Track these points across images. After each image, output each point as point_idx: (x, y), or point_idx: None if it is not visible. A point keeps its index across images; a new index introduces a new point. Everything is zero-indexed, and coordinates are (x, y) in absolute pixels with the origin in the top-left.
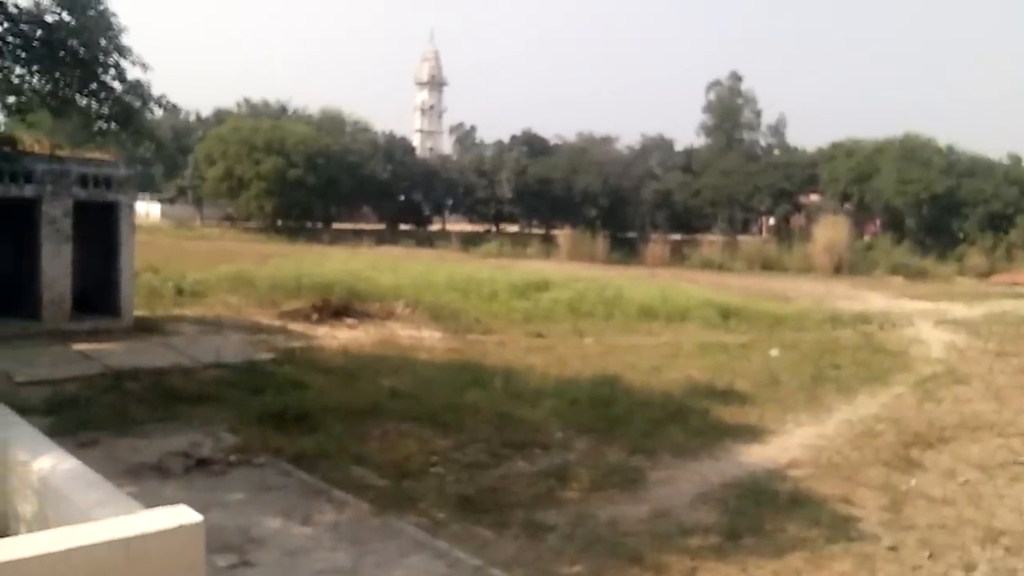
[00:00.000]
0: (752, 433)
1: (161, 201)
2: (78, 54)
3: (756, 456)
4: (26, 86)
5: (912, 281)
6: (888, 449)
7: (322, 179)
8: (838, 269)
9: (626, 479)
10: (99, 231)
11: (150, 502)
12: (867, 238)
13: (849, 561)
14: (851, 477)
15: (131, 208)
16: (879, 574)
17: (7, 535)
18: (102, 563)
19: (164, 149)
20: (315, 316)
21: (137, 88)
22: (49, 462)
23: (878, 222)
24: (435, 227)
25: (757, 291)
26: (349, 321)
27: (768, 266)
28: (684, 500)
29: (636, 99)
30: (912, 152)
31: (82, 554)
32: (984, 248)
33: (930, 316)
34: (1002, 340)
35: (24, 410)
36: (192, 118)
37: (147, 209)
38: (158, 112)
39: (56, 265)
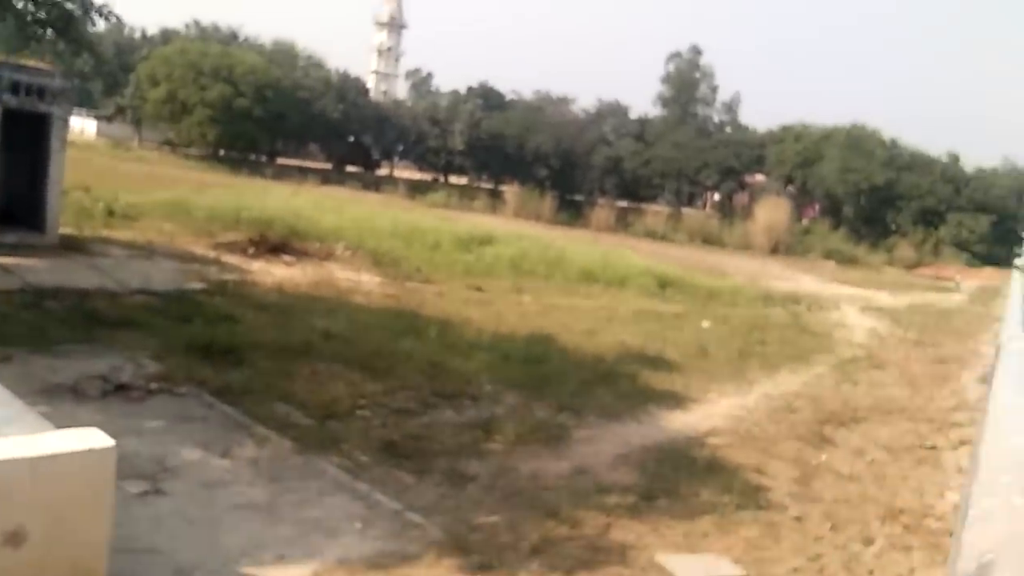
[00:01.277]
0: (676, 400)
1: (98, 118)
2: None
3: (678, 422)
4: None
5: (843, 267)
6: (803, 425)
7: (270, 112)
8: (775, 249)
9: (551, 436)
10: (28, 143)
11: (63, 424)
12: (806, 222)
13: (756, 528)
14: (766, 449)
15: (64, 122)
16: (783, 542)
17: None
18: (5, 481)
19: (104, 63)
20: (252, 250)
21: None
22: None
23: (817, 207)
24: (383, 172)
25: (696, 264)
26: (286, 258)
27: (709, 241)
28: (605, 460)
29: (596, 63)
30: (857, 142)
31: None
32: (914, 241)
33: (857, 302)
34: (921, 330)
35: None
36: (137, 35)
37: (83, 126)
38: (100, 24)
39: None
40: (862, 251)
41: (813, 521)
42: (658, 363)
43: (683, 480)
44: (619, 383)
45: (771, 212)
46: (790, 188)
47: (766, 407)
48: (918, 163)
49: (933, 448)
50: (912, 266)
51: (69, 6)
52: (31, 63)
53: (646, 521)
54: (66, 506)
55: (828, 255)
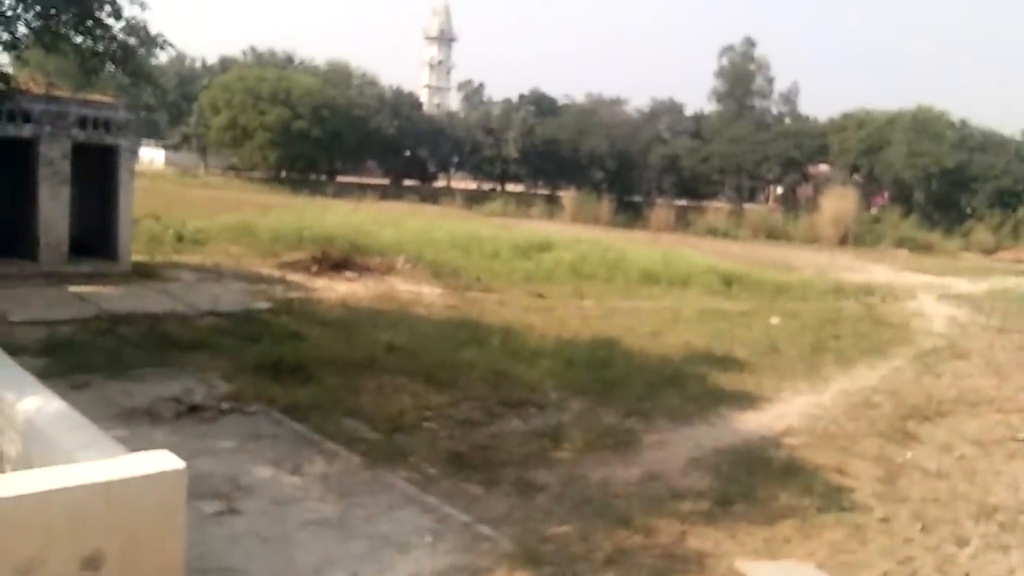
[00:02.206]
0: (748, 400)
1: (166, 148)
2: None
3: (751, 423)
4: (19, 20)
5: (917, 255)
6: (884, 421)
7: (327, 132)
8: (843, 241)
9: (619, 441)
10: (98, 175)
11: (139, 446)
12: (874, 210)
13: (840, 531)
14: (846, 448)
15: (131, 152)
16: (870, 545)
17: None
18: (81, 506)
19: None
20: (315, 268)
21: (134, 27)
22: (35, 403)
23: (886, 195)
24: (439, 184)
25: (761, 259)
26: (348, 274)
27: (773, 235)
28: (677, 465)
29: (648, 61)
30: (924, 125)
31: (61, 496)
32: (991, 224)
33: (933, 290)
34: (1004, 316)
35: (18, 351)
36: (198, 65)
37: (151, 156)
38: (161, 56)
39: (54, 207)
40: (936, 237)
41: (901, 522)
42: (727, 363)
43: (760, 483)
44: (687, 385)
45: (837, 202)
46: (856, 177)
47: (844, 404)
48: (991, 143)
49: None
50: (990, 251)
51: (123, 38)
52: (96, 97)
53: (723, 527)
54: (140, 528)
55: (900, 243)
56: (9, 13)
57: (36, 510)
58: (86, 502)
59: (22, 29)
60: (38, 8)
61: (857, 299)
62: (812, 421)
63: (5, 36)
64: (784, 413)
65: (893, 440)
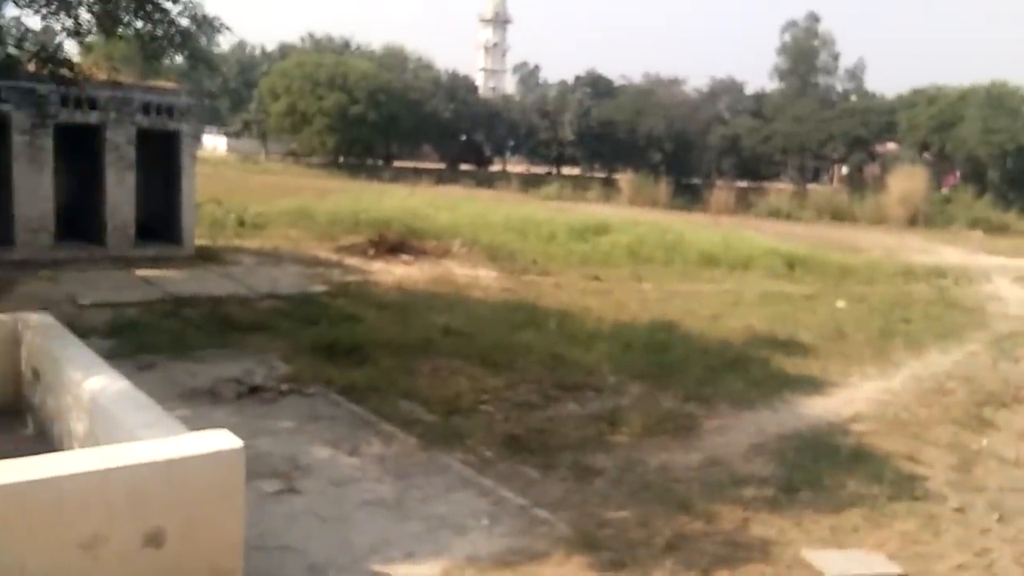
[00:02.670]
0: (814, 385)
1: (227, 135)
2: None
3: (817, 409)
4: (81, 5)
5: (992, 236)
6: (959, 407)
7: (384, 116)
8: (913, 221)
9: (679, 426)
10: (162, 160)
11: (201, 426)
12: (946, 190)
13: (913, 521)
14: (918, 435)
15: (193, 138)
16: (944, 535)
17: (62, 451)
18: (142, 483)
19: (221, 77)
20: (371, 251)
21: (192, 10)
22: (100, 383)
23: (958, 173)
24: (495, 168)
25: (826, 241)
26: (405, 257)
27: (839, 216)
28: (739, 450)
29: (707, 39)
30: (999, 100)
31: (122, 473)
32: None
33: (1009, 272)
34: None
35: (86, 332)
36: (257, 52)
37: (214, 143)
38: (222, 43)
39: (120, 192)
40: (1012, 218)
41: (977, 512)
42: (791, 347)
43: (826, 470)
44: (750, 369)
45: (906, 182)
46: (926, 155)
47: (915, 389)
48: None
49: None
50: None
51: (182, 21)
52: (159, 84)
53: (788, 515)
54: (200, 506)
55: (974, 224)
56: (72, 1)
57: (99, 487)
58: (147, 480)
59: (84, 15)
60: None
61: (928, 282)
62: (882, 407)
63: (68, 22)
64: (852, 399)
65: (968, 427)
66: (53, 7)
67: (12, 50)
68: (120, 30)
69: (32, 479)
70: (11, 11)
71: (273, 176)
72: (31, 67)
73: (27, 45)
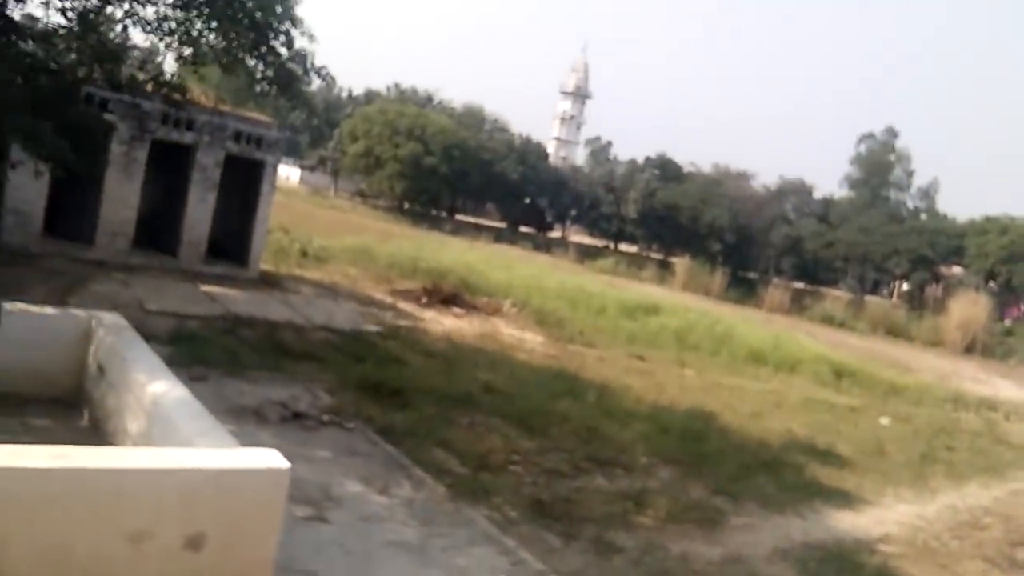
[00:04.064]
0: (846, 499)
1: (302, 167)
2: (254, 17)
3: (846, 523)
4: (203, 40)
5: None
6: (992, 545)
7: (454, 170)
8: (969, 349)
9: (705, 518)
10: (242, 185)
11: (245, 443)
12: (1008, 322)
13: None
14: (946, 566)
15: (275, 168)
16: None
17: (113, 445)
18: (192, 488)
19: (315, 117)
20: (425, 299)
21: (301, 57)
22: (162, 387)
23: (1023, 307)
24: (555, 234)
25: (877, 355)
26: (456, 310)
27: (894, 332)
28: (762, 552)
29: (780, 139)
30: None
31: (176, 477)
32: None
33: None
34: None
35: (149, 337)
36: (344, 94)
37: (288, 173)
38: (316, 83)
39: (200, 211)
40: None
41: None
42: (828, 457)
43: None
44: (783, 473)
45: (968, 308)
46: (992, 284)
47: (949, 520)
48: None
49: None
50: None
51: (292, 66)
52: (252, 115)
53: None
54: (243, 518)
55: None
56: (195, 33)
57: (152, 486)
58: (197, 485)
59: (204, 49)
60: (221, 31)
61: (978, 412)
62: (913, 532)
63: (188, 52)
64: (883, 519)
65: (999, 567)
66: (177, 36)
67: (135, 72)
68: (236, 67)
69: (92, 468)
70: (138, 36)
71: (340, 213)
72: (148, 88)
73: (148, 68)
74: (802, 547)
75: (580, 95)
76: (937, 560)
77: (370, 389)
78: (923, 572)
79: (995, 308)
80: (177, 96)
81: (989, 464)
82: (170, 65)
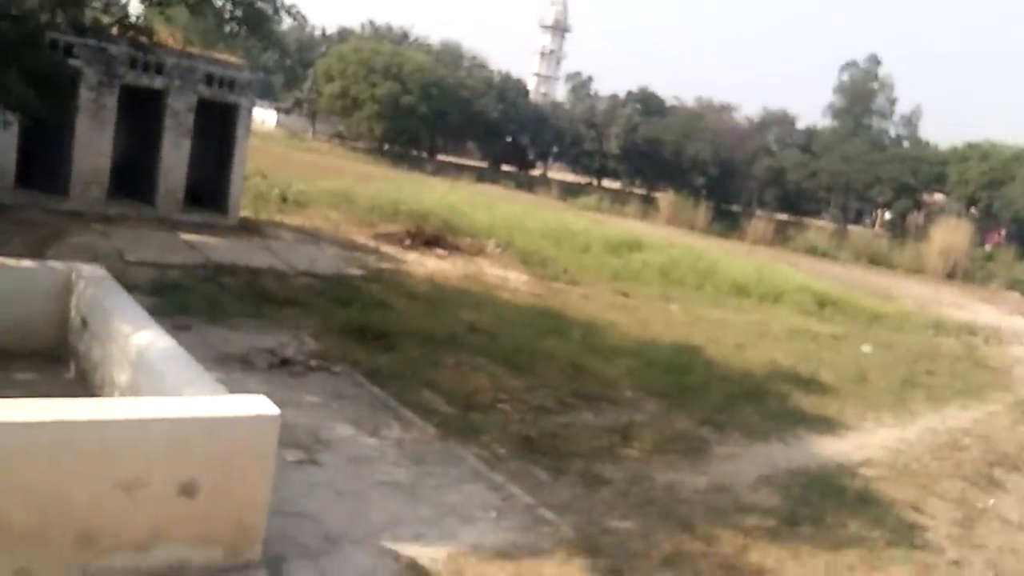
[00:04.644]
0: (829, 425)
1: (278, 110)
2: None
3: (829, 448)
4: None
5: None
6: (970, 464)
7: (433, 109)
8: (951, 275)
9: (690, 448)
10: (217, 130)
11: (233, 391)
12: (988, 247)
13: (908, 568)
14: (926, 486)
15: (249, 112)
16: None
17: (102, 397)
18: (182, 435)
19: (288, 58)
20: (408, 241)
21: None
22: (148, 337)
23: (1003, 232)
24: (537, 172)
25: (860, 284)
26: (439, 251)
27: (876, 261)
28: (746, 479)
29: (763, 70)
30: None
31: (164, 425)
32: None
33: None
34: None
35: (130, 288)
36: (317, 33)
37: (263, 117)
38: (287, 22)
39: (174, 157)
40: None
41: (974, 568)
42: (811, 385)
43: (830, 509)
44: (767, 402)
45: (949, 234)
46: (972, 210)
47: (929, 442)
48: None
49: None
50: None
51: (262, 5)
52: (223, 56)
53: (787, 546)
54: (234, 464)
55: (1012, 285)
56: None
57: (141, 435)
58: (188, 434)
59: None
60: None
61: (958, 337)
62: (893, 455)
63: None
64: (865, 443)
65: (977, 485)
66: None
67: (99, 15)
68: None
69: (82, 419)
70: None
71: (318, 155)
72: (113, 31)
73: (112, 10)
74: (786, 473)
75: (559, 28)
76: (917, 481)
77: (355, 333)
78: (904, 493)
79: (976, 234)
80: (144, 39)
81: (968, 387)
82: (135, 7)
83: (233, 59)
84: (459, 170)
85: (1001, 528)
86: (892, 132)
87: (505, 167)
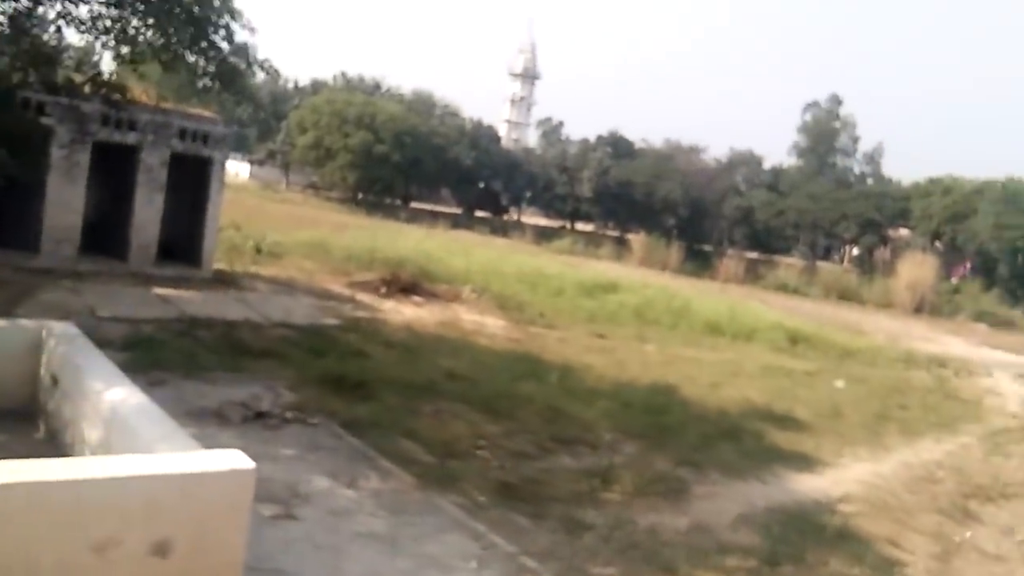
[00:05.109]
0: (806, 462)
1: (251, 162)
2: (192, 12)
3: (806, 485)
4: (140, 38)
5: (997, 330)
6: (946, 497)
7: (407, 158)
8: (919, 309)
9: (670, 489)
10: (190, 184)
11: (207, 446)
12: (954, 280)
13: None
14: (903, 520)
15: (223, 165)
16: None
17: (72, 456)
18: (156, 494)
19: (261, 111)
20: (384, 290)
21: (243, 50)
22: (120, 394)
23: (968, 265)
24: (511, 217)
25: (830, 320)
26: (416, 299)
27: (846, 296)
28: (726, 519)
29: (729, 111)
30: (1013, 196)
31: (138, 483)
32: None
33: (1011, 369)
34: None
35: (102, 344)
36: (290, 86)
37: (237, 169)
38: (260, 76)
39: (147, 212)
40: (1018, 315)
41: None
42: (786, 422)
43: (810, 547)
44: (744, 440)
45: (916, 269)
46: (937, 244)
47: (905, 476)
48: None
49: None
50: None
51: (235, 60)
52: (197, 111)
53: None
54: (209, 522)
55: (979, 317)
56: (131, 31)
57: (115, 494)
58: (161, 491)
59: (142, 46)
60: (158, 27)
61: (928, 370)
62: (870, 490)
63: (125, 50)
64: (842, 479)
65: (953, 518)
66: (113, 35)
67: (71, 73)
68: (176, 63)
69: (54, 480)
70: (73, 36)
71: (292, 206)
72: (86, 89)
73: (85, 68)
74: (765, 512)
75: (529, 76)
76: (894, 516)
77: (332, 383)
78: (881, 528)
79: (941, 267)
80: (117, 96)
81: (940, 420)
82: (108, 64)
83: (207, 113)
84: (434, 217)
85: (979, 560)
86: (856, 169)
87: (479, 213)
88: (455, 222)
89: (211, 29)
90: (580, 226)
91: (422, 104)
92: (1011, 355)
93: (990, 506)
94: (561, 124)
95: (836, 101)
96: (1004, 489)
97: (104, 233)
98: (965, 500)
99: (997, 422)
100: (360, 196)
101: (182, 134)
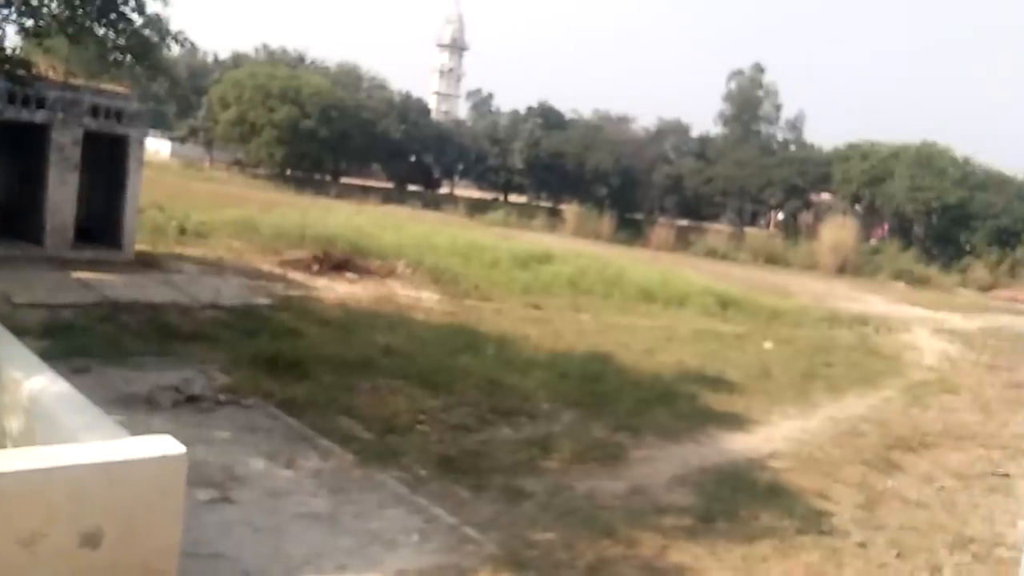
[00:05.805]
0: (737, 422)
1: (172, 140)
2: None
3: (738, 444)
4: (44, 10)
5: (914, 288)
6: (869, 449)
7: (334, 133)
8: (842, 270)
9: (607, 455)
10: (107, 163)
11: (137, 432)
12: (874, 241)
13: (817, 553)
14: (830, 473)
15: (140, 143)
16: (845, 568)
17: None
18: (83, 484)
19: (178, 86)
20: (316, 267)
21: (156, 22)
22: (40, 383)
23: (886, 227)
24: (443, 191)
25: (758, 284)
26: (349, 275)
27: (773, 260)
28: (662, 480)
29: (656, 81)
30: (928, 160)
31: (64, 474)
32: (989, 262)
33: (928, 324)
34: (995, 353)
35: (20, 332)
36: (210, 59)
37: (157, 147)
38: (175, 49)
39: (61, 193)
40: (934, 272)
41: (878, 548)
42: (718, 384)
43: (743, 503)
44: (678, 403)
45: (837, 231)
46: (857, 207)
47: (831, 431)
48: (993, 182)
49: (1006, 476)
50: (987, 288)
51: (147, 32)
52: (109, 87)
53: (704, 543)
54: (139, 510)
55: (898, 276)
56: (35, 2)
57: (39, 486)
58: (88, 481)
59: (46, 19)
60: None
61: (851, 328)
62: (798, 446)
63: (30, 23)
64: (772, 436)
65: (876, 468)
66: (16, 7)
67: None
68: (83, 36)
69: None
70: None
71: (217, 184)
72: None
73: None
74: (699, 471)
75: (457, 47)
76: (822, 469)
77: (266, 364)
78: (810, 482)
79: (862, 230)
80: (22, 72)
81: (863, 375)
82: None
83: (120, 89)
84: (364, 192)
85: (901, 508)
86: (780, 137)
87: (411, 187)
88: (386, 197)
89: (120, 0)
90: (513, 198)
91: (348, 77)
92: (928, 311)
93: (911, 456)
94: (491, 96)
95: (759, 70)
96: (923, 439)
97: (18, 216)
98: (888, 451)
99: (916, 375)
100: (288, 172)
101: (94, 111)
